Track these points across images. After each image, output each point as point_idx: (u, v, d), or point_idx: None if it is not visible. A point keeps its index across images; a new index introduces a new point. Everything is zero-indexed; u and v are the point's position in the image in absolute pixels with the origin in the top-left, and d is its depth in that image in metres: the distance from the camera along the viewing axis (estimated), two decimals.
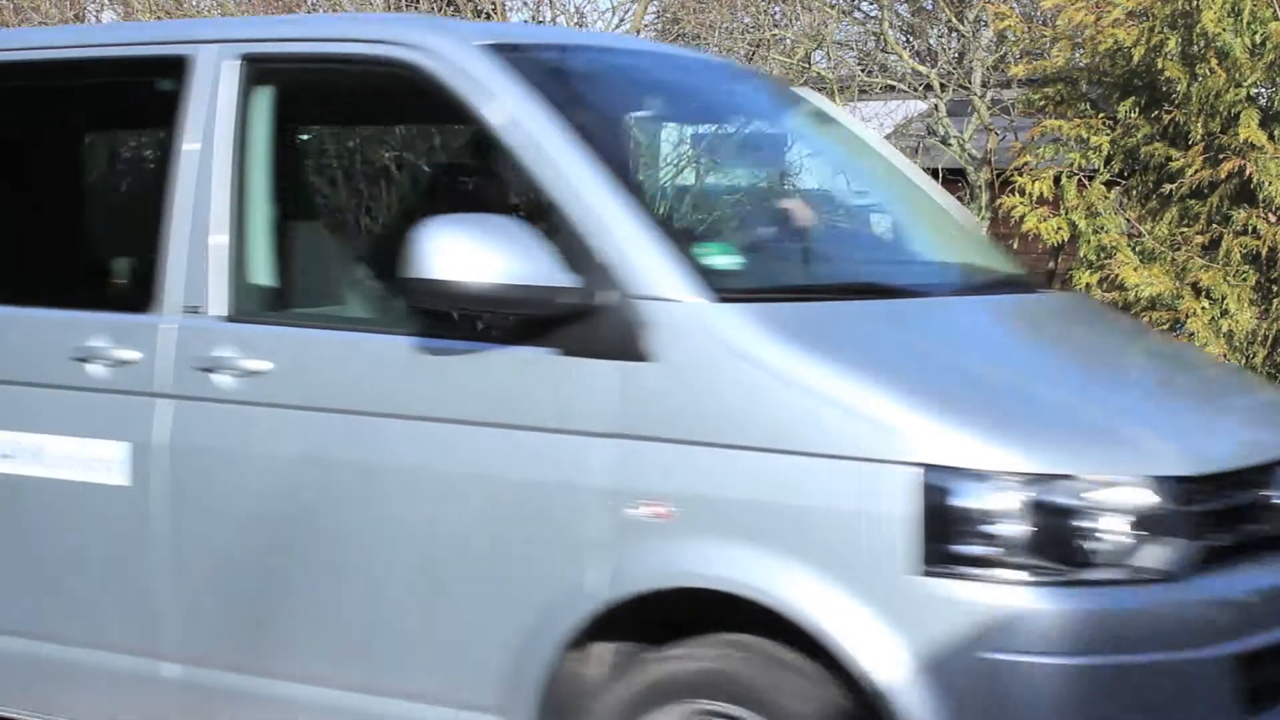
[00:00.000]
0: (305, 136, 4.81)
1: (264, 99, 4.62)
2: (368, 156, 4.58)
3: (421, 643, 4.24)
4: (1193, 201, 8.22)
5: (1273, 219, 8.05)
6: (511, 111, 4.19)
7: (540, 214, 4.13)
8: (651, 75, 4.93)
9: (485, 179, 4.49)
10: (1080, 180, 8.56)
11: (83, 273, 4.97)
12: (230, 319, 4.51)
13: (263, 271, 4.60)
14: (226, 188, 4.55)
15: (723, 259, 4.23)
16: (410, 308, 4.19)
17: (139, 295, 4.65)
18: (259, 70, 4.60)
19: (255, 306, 4.58)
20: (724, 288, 4.01)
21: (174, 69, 4.67)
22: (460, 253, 3.94)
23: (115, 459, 4.62)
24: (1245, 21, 7.85)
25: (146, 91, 4.82)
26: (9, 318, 4.85)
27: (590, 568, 3.97)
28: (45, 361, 4.73)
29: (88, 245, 5.05)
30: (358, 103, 4.62)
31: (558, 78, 4.42)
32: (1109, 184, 8.59)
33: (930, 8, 17.01)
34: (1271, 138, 7.98)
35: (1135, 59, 8.17)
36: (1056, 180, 8.54)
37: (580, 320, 4.00)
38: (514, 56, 4.35)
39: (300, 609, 4.40)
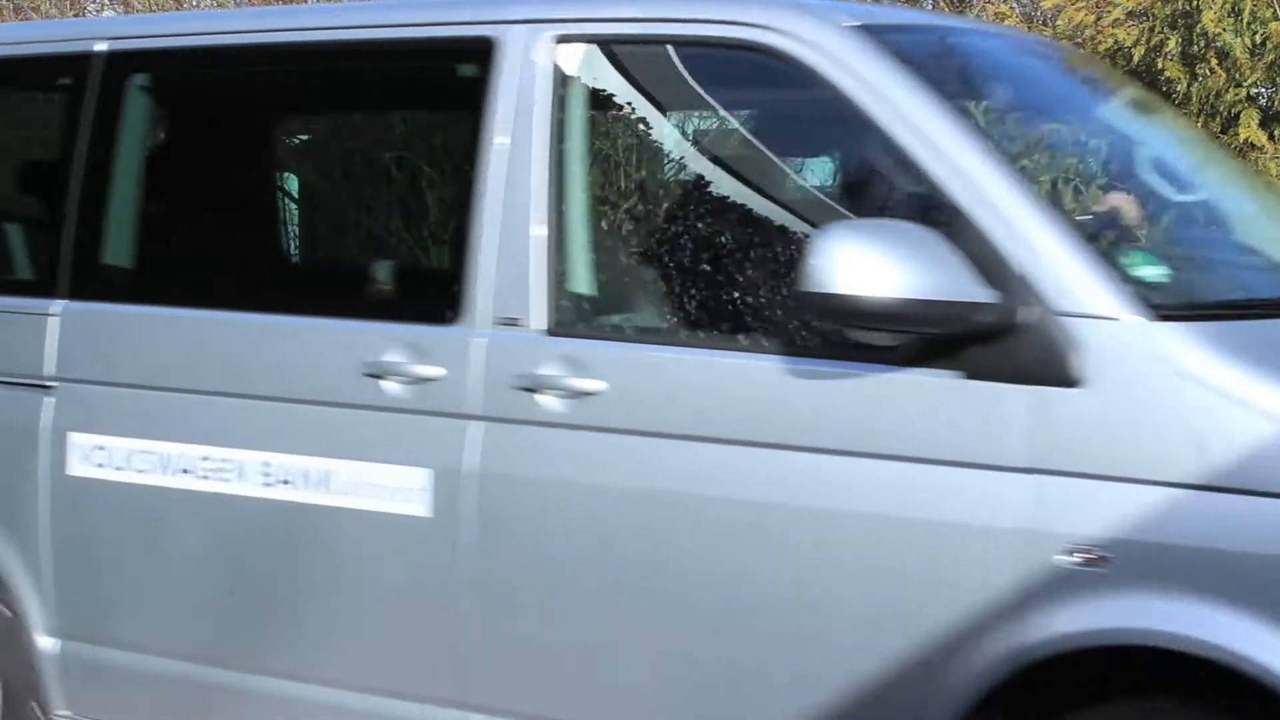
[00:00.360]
0: (628, 127, 4.31)
1: (581, 86, 4.14)
2: (704, 147, 4.09)
3: (784, 696, 3.77)
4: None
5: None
6: (896, 103, 3.71)
7: (930, 218, 3.65)
8: (1010, 60, 4.43)
9: (862, 176, 4.01)
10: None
11: (372, 279, 4.51)
12: (552, 333, 4.04)
13: (584, 279, 4.12)
14: (544, 186, 4.07)
15: (1150, 269, 3.75)
16: (768, 324, 3.76)
17: (441, 305, 4.17)
18: (578, 54, 4.12)
19: (577, 319, 4.10)
20: (1159, 303, 3.53)
21: (476, 53, 4.19)
22: (864, 264, 3.46)
23: (415, 486, 4.16)
24: (1245, 21, 7.80)
25: (443, 78, 4.34)
26: (289, 328, 4.39)
27: (1005, 621, 3.49)
28: (333, 378, 4.27)
29: (376, 248, 4.58)
30: (688, 88, 4.13)
31: (936, 64, 3.94)
32: None
33: (930, 8, 16.59)
34: (1272, 138, 7.88)
35: (1135, 59, 8.08)
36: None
37: (992, 340, 3.52)
38: (887, 39, 3.86)
39: (636, 655, 3.93)
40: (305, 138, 4.78)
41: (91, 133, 4.78)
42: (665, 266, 4.05)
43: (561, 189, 4.08)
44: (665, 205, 4.30)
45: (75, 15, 11.53)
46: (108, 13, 11.54)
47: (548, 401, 3.99)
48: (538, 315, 4.04)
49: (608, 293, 4.19)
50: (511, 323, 4.06)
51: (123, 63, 4.79)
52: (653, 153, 4.40)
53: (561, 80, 4.11)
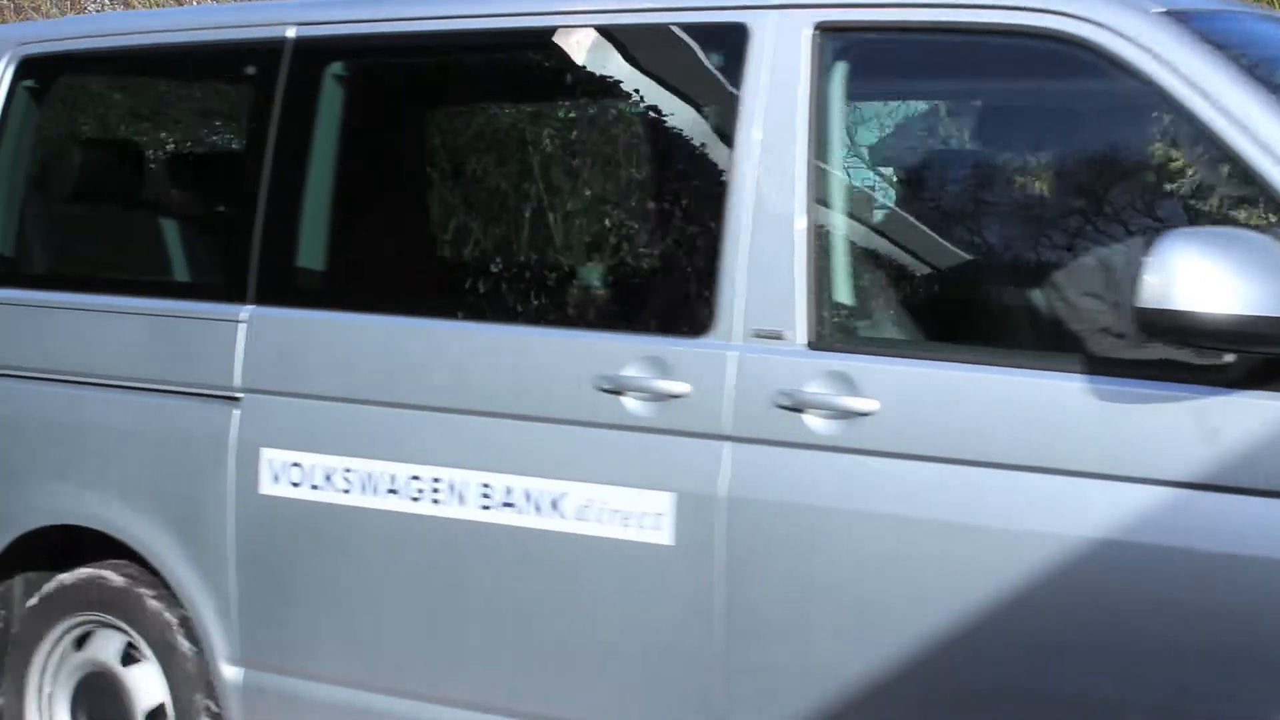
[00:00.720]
0: (895, 121, 3.97)
1: (843, 77, 3.79)
2: (987, 142, 3.74)
3: None
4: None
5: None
6: (1218, 95, 3.35)
7: (1261, 222, 3.30)
8: None
9: (1179, 177, 3.66)
10: None
11: (609, 285, 4.15)
12: (815, 347, 3.69)
13: (848, 288, 3.78)
14: (803, 186, 3.73)
15: None
16: (1070, 339, 3.42)
17: (688, 315, 3.84)
18: (839, 43, 3.77)
19: (843, 331, 3.76)
20: None
21: (728, 41, 3.85)
22: (1207, 277, 3.11)
23: (655, 511, 3.82)
24: None
25: (689, 67, 3.99)
26: (514, 339, 4.05)
27: None
28: (563, 393, 3.93)
29: (612, 250, 4.22)
30: (967, 79, 3.79)
31: (1247, 51, 3.57)
32: None
33: None
34: None
35: None
36: None
37: None
38: (1197, 26, 3.51)
39: (905, 695, 3.59)
40: (523, 131, 4.41)
41: (281, 126, 4.45)
42: (942, 274, 3.71)
43: (822, 189, 3.74)
44: (940, 207, 3.95)
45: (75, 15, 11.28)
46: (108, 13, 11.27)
47: (812, 422, 3.65)
48: (799, 327, 3.69)
49: (874, 302, 3.84)
50: (769, 335, 3.72)
51: (314, 50, 4.46)
52: (925, 149, 4.05)
53: (821, 71, 3.76)
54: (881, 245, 3.92)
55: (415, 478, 4.12)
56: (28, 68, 4.98)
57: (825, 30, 3.76)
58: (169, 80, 5.20)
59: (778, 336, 3.71)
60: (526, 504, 3.98)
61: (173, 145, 5.21)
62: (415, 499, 4.12)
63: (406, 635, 4.20)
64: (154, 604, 4.57)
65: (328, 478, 4.25)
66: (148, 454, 4.55)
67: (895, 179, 3.96)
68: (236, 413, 4.39)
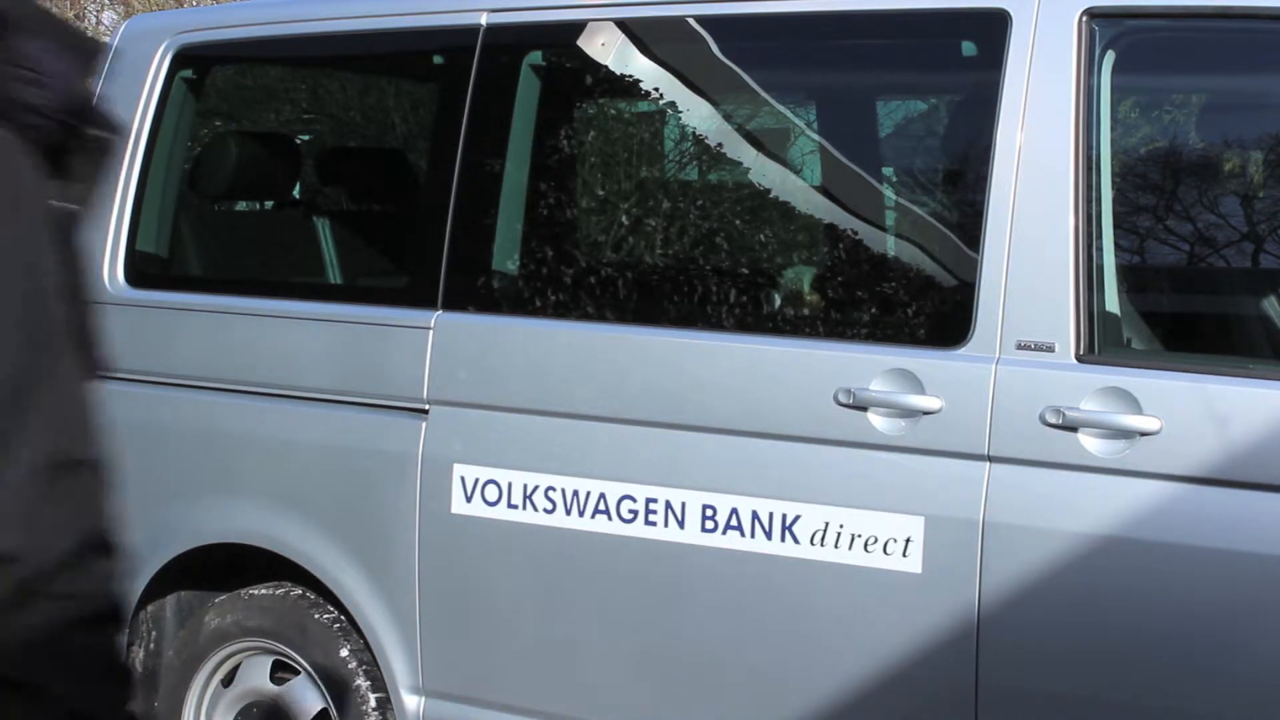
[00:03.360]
0: (1172, 116, 3.67)
1: (1112, 67, 3.49)
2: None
3: None
4: None
5: None
6: None
7: None
8: None
9: None
10: None
11: (852, 292, 3.82)
12: (1085, 360, 3.39)
13: (1119, 295, 3.47)
14: (1070, 186, 3.42)
15: None
16: None
17: (942, 325, 3.55)
18: (1111, 31, 3.47)
19: (1116, 343, 3.46)
20: None
21: (986, 27, 3.56)
22: None
23: (902, 537, 3.51)
24: None
25: (944, 55, 3.69)
26: (744, 351, 3.74)
27: None
28: (801, 408, 3.62)
29: (855, 255, 3.90)
30: (1252, 74, 3.48)
31: None
32: None
33: None
34: None
35: None
36: None
37: None
38: None
39: None
40: (751, 126, 4.09)
41: (473, 120, 4.15)
42: (1227, 281, 3.40)
43: (1091, 189, 3.43)
44: (1220, 211, 3.64)
45: (75, 15, 11.08)
46: (107, 13, 11.09)
47: (1088, 442, 3.34)
48: (1068, 338, 3.39)
49: (1146, 311, 3.54)
50: (1035, 347, 3.42)
51: (509, 38, 4.17)
52: (1203, 148, 3.73)
53: (1089, 62, 3.46)
54: (1153, 250, 3.62)
55: (628, 497, 3.82)
56: (186, 58, 4.70)
57: (1095, 16, 3.46)
58: (341, 71, 4.91)
59: (1045, 349, 3.40)
60: (755, 527, 3.67)
61: (345, 140, 4.92)
62: (628, 521, 3.82)
63: (612, 668, 3.89)
64: (327, 630, 4.29)
65: (528, 497, 3.95)
66: (327, 470, 4.24)
67: (1169, 180, 3.65)
68: (424, 426, 4.09)
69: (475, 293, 4.09)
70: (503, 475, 3.97)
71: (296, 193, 4.84)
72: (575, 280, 4.12)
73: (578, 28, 4.11)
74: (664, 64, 4.11)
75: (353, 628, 4.23)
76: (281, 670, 4.43)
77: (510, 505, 3.96)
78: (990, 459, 3.44)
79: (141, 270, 4.61)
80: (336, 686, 4.29)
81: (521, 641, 4.01)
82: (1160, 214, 3.64)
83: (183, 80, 4.70)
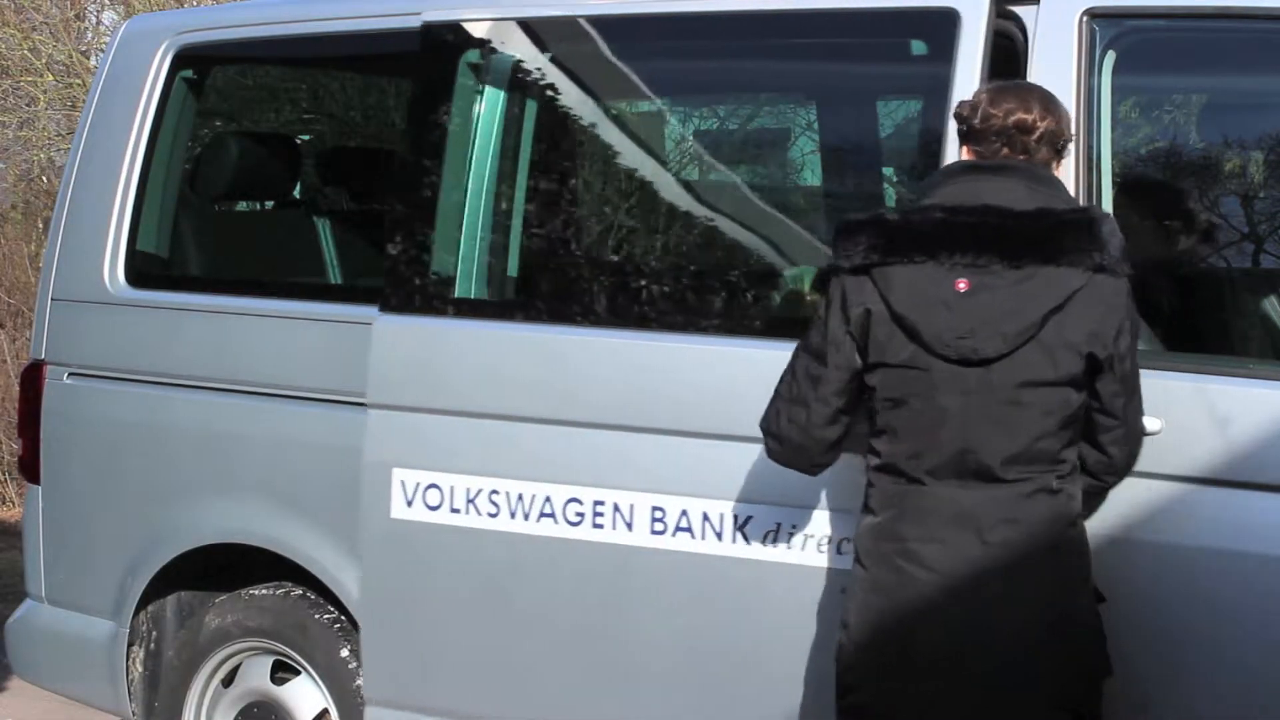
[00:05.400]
0: (1169, 116, 3.67)
1: (1112, 67, 3.49)
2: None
3: None
4: None
5: None
6: None
7: None
8: None
9: None
10: None
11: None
12: None
13: None
14: (1070, 186, 3.42)
15: None
16: None
17: None
18: (1111, 31, 3.47)
19: None
20: None
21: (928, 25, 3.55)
22: None
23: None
24: None
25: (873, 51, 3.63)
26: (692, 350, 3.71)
27: None
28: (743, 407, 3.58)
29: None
30: (1258, 75, 3.47)
31: None
32: None
33: None
34: None
35: None
36: None
37: None
38: None
39: None
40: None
41: (411, 121, 4.12)
42: (1228, 281, 3.40)
43: (1091, 189, 3.43)
44: (1220, 211, 3.64)
45: (75, 15, 11.09)
46: (108, 13, 11.10)
47: None
48: None
49: (1146, 311, 3.53)
50: None
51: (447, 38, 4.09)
52: (1197, 150, 3.73)
53: (1089, 62, 3.46)
54: (1160, 252, 3.62)
55: (574, 500, 3.79)
56: (186, 58, 4.69)
57: (1095, 17, 3.46)
58: (333, 71, 4.90)
59: None
60: (705, 529, 3.66)
61: (331, 141, 4.92)
62: (574, 524, 3.79)
63: (562, 675, 3.86)
64: (328, 630, 4.29)
65: (471, 500, 3.90)
66: (315, 469, 4.24)
67: (1165, 181, 3.65)
68: (365, 429, 4.05)
69: (414, 294, 4.04)
70: (444, 479, 3.92)
71: (279, 194, 4.83)
72: (515, 282, 4.08)
73: (518, 28, 4.07)
74: (604, 64, 4.08)
75: (353, 628, 4.23)
76: (282, 670, 4.43)
77: (453, 510, 3.91)
78: None
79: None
80: (337, 686, 4.29)
81: (467, 649, 3.97)
82: (1161, 214, 3.64)
83: (183, 80, 4.70)
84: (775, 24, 3.79)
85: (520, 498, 3.82)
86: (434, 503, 3.93)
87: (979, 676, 2.98)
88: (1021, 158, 3.04)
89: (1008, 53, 3.52)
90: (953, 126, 3.24)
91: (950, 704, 3.00)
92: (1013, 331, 2.89)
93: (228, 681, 4.51)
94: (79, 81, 10.20)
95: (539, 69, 4.11)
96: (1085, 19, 3.45)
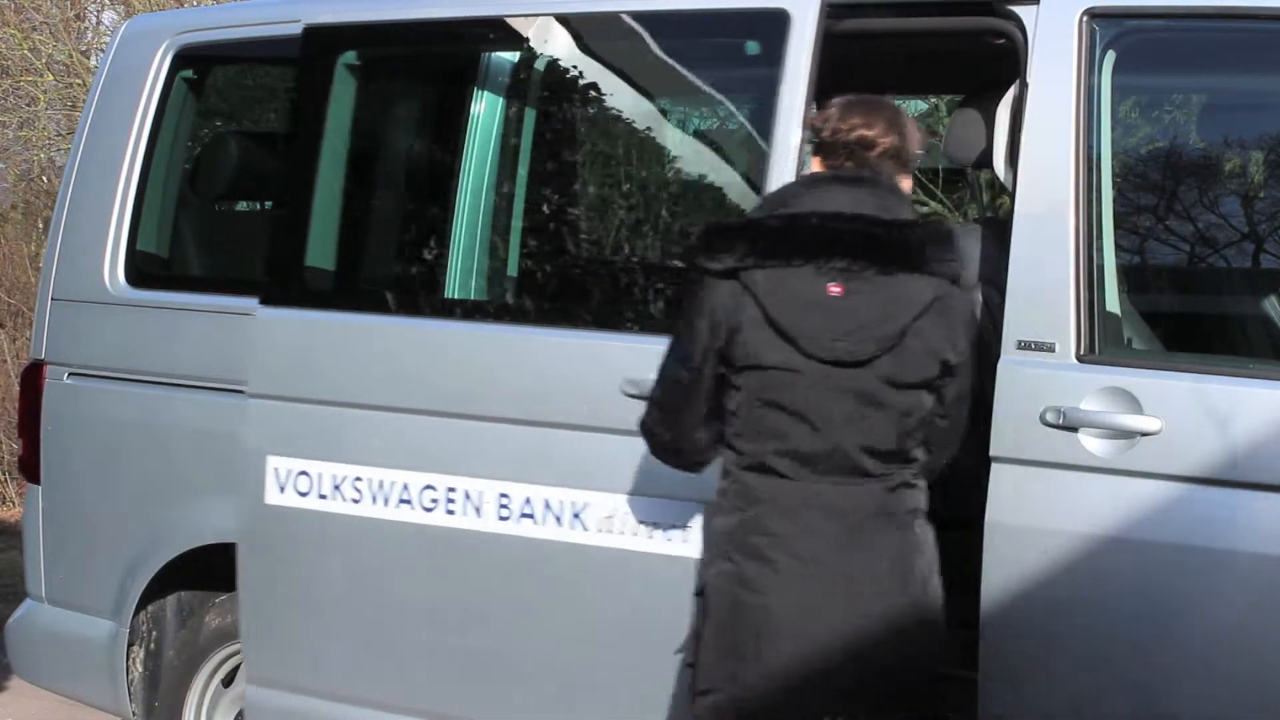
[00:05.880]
0: (1169, 114, 3.67)
1: (1113, 68, 3.49)
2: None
3: None
4: None
5: None
6: None
7: None
8: None
9: None
10: None
11: None
12: (1086, 360, 3.38)
13: (1118, 294, 3.47)
14: (1071, 185, 3.43)
15: None
16: None
17: None
18: (1112, 31, 3.47)
19: (1117, 343, 3.46)
20: None
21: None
22: None
23: (683, 523, 3.61)
24: None
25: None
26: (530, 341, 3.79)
27: None
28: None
29: None
30: (1258, 74, 3.47)
31: None
32: None
33: None
34: None
35: None
36: None
37: None
38: None
39: None
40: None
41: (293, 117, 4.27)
42: (1227, 281, 3.40)
43: (1091, 189, 3.43)
44: (1219, 210, 3.63)
45: (75, 15, 11.10)
46: (108, 13, 11.10)
47: (1088, 442, 3.34)
48: (1068, 338, 3.39)
49: (1146, 311, 3.54)
50: (1035, 347, 3.42)
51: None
52: (1204, 148, 3.73)
53: (1089, 62, 3.46)
54: (1154, 250, 3.62)
55: (429, 487, 3.92)
56: (186, 57, 4.69)
57: (1096, 17, 3.46)
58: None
59: (1046, 348, 3.40)
60: (546, 515, 3.79)
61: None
62: (429, 510, 3.93)
63: (420, 656, 4.00)
64: None
65: (337, 487, 4.04)
66: None
67: (1169, 180, 3.65)
68: (249, 415, 4.19)
69: (289, 288, 4.19)
70: (313, 466, 4.06)
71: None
72: (379, 277, 4.25)
73: (391, 31, 4.23)
74: (466, 65, 4.27)
75: None
76: None
77: (321, 496, 4.05)
78: (995, 459, 3.44)
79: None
80: None
81: (337, 631, 4.10)
82: (1160, 214, 3.64)
83: (183, 80, 4.70)
84: (617, 26, 3.96)
85: (381, 484, 3.98)
86: (304, 489, 4.09)
87: (844, 670, 3.04)
88: (865, 172, 3.13)
89: (1007, 53, 3.53)
90: (782, 125, 3.41)
91: (816, 697, 3.05)
92: (883, 335, 3.00)
93: (228, 681, 4.52)
94: (79, 81, 10.19)
95: (407, 70, 4.34)
96: (1085, 19, 3.45)
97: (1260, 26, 3.36)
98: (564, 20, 4.02)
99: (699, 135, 4.32)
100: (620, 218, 4.13)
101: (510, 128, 4.30)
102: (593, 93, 4.21)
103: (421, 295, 4.13)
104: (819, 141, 3.18)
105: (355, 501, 4.01)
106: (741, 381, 3.07)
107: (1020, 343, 3.42)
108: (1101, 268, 3.42)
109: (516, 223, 4.19)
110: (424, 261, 4.22)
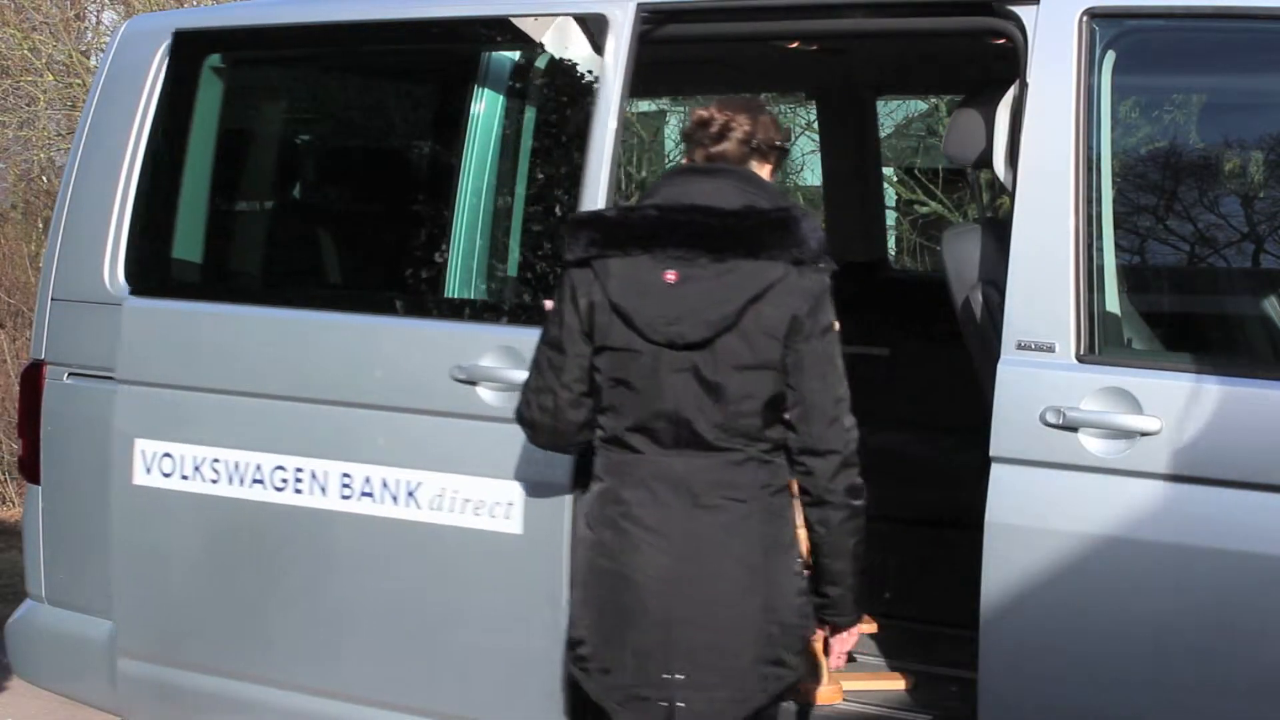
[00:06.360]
0: (1165, 115, 3.66)
1: (1112, 67, 3.49)
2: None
3: None
4: None
5: None
6: None
7: None
8: None
9: None
10: None
11: None
12: (1085, 360, 3.39)
13: (1117, 293, 3.47)
14: (1071, 182, 3.43)
15: None
16: None
17: None
18: (1112, 31, 3.47)
19: (1115, 343, 3.46)
20: None
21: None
22: None
23: (505, 500, 3.85)
24: None
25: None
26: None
27: None
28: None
29: None
30: (1259, 75, 3.46)
31: None
32: None
33: None
34: None
35: None
36: None
37: None
38: None
39: None
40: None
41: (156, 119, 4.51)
42: (1227, 281, 3.40)
43: (1091, 189, 3.43)
44: (1218, 210, 3.63)
45: (75, 15, 11.11)
46: (108, 13, 11.11)
47: (1088, 442, 3.34)
48: (1068, 338, 3.39)
49: (1146, 311, 3.54)
50: (1035, 347, 3.42)
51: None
52: (1203, 149, 3.72)
53: (1089, 62, 3.46)
54: (1154, 250, 3.62)
55: (280, 468, 4.14)
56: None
57: (1095, 16, 3.46)
58: None
59: (1046, 348, 3.40)
60: (384, 493, 4.00)
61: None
62: (280, 489, 4.15)
63: (276, 627, 4.19)
64: None
65: (197, 468, 4.24)
66: None
67: (1169, 180, 3.64)
68: (116, 401, 4.41)
69: (154, 278, 4.45)
70: (176, 449, 4.27)
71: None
72: (238, 270, 4.52)
73: (252, 37, 4.51)
74: (318, 69, 4.63)
75: None
76: None
77: (183, 477, 4.26)
78: (996, 459, 3.44)
79: None
80: None
81: (202, 606, 4.30)
82: (1160, 214, 3.64)
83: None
84: (437, 31, 4.22)
85: (237, 465, 4.20)
86: (168, 470, 4.30)
87: (692, 630, 3.16)
88: (719, 160, 3.28)
89: (1007, 52, 3.53)
90: (599, 124, 3.76)
91: (666, 657, 3.17)
92: (715, 319, 3.13)
93: None
94: (79, 81, 10.19)
95: (266, 73, 4.63)
96: (1085, 19, 3.45)
97: (1260, 26, 3.36)
98: (391, 26, 4.28)
99: (521, 133, 4.48)
100: (453, 215, 4.34)
101: (351, 130, 4.70)
102: (426, 94, 4.58)
103: (272, 287, 4.47)
104: (683, 135, 3.37)
105: (214, 482, 4.23)
106: (600, 362, 3.25)
107: (1020, 343, 3.43)
108: (1101, 268, 3.43)
109: (357, 219, 4.58)
110: (275, 255, 4.61)
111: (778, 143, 3.31)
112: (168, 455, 4.30)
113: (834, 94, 5.85)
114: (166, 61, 4.51)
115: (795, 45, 4.58)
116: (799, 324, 3.13)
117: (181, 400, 4.30)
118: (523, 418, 3.36)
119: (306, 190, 4.61)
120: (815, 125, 7.19)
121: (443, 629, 3.94)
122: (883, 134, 4.07)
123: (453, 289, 4.14)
